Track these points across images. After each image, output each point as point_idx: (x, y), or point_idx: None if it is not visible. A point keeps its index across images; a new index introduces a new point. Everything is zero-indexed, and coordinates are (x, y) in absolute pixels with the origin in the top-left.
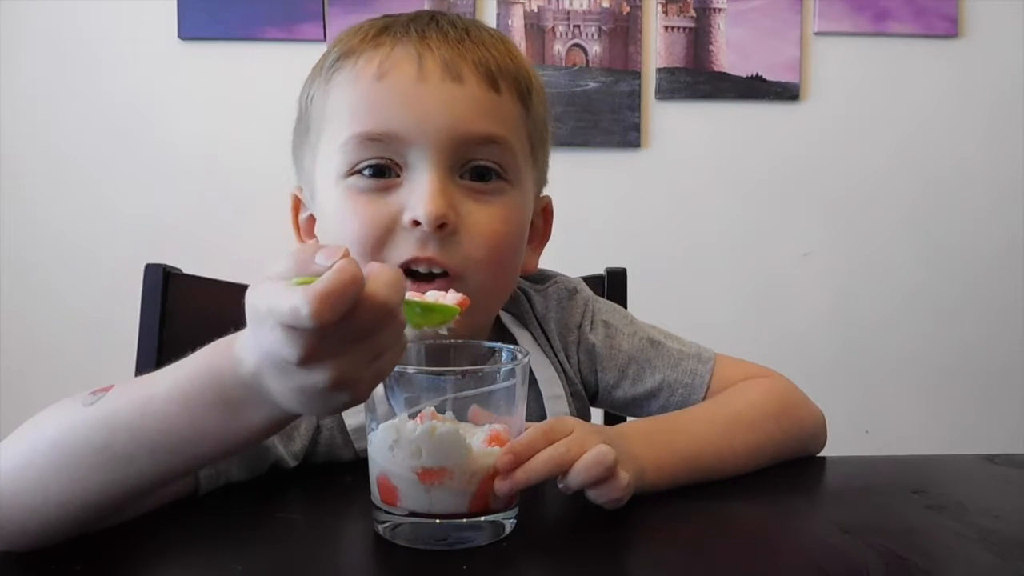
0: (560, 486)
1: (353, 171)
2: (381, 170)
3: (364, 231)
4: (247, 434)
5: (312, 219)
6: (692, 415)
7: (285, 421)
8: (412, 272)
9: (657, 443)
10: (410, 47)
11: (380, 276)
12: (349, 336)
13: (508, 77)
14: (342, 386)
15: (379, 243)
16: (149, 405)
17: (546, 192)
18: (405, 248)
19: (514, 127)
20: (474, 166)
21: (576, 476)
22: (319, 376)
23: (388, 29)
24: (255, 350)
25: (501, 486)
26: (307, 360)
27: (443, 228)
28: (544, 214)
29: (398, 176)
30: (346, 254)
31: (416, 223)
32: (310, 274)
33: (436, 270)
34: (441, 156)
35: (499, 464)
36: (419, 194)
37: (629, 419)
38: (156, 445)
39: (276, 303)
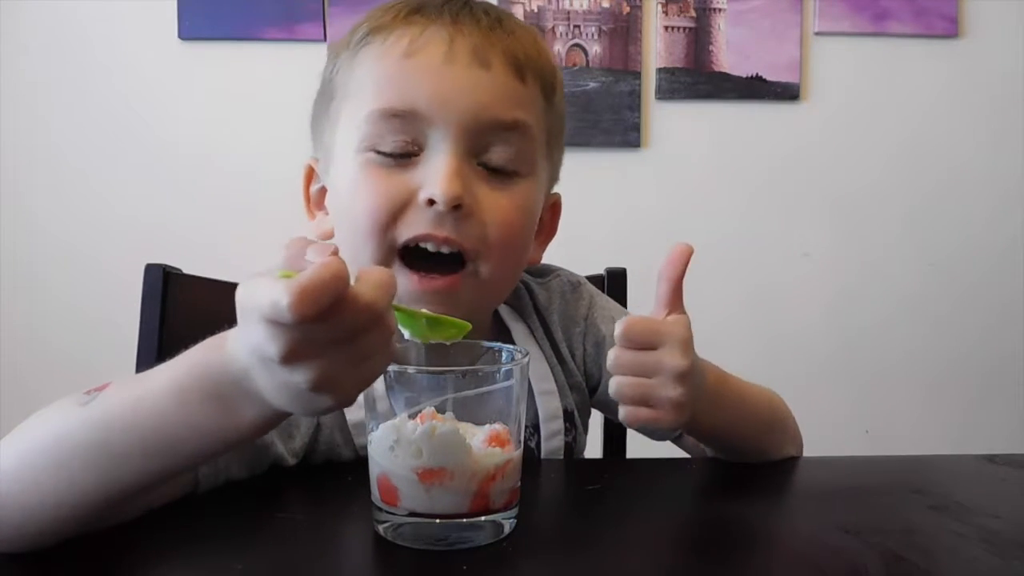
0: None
1: (372, 146)
2: (400, 148)
3: (378, 204)
4: (240, 431)
5: (323, 191)
6: (756, 391)
7: (277, 419)
8: (420, 251)
9: (724, 408)
10: (442, 29)
11: (369, 276)
12: (332, 336)
13: (534, 69)
14: (324, 388)
15: (392, 217)
16: (143, 402)
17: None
18: (418, 224)
19: (536, 116)
20: (492, 154)
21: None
22: (300, 376)
23: (421, 10)
24: (244, 346)
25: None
26: (289, 358)
27: (457, 209)
28: (552, 210)
29: (417, 155)
30: (335, 252)
31: (431, 202)
32: (298, 270)
33: (445, 250)
34: (461, 139)
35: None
36: (436, 174)
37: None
38: (150, 442)
39: (259, 297)
